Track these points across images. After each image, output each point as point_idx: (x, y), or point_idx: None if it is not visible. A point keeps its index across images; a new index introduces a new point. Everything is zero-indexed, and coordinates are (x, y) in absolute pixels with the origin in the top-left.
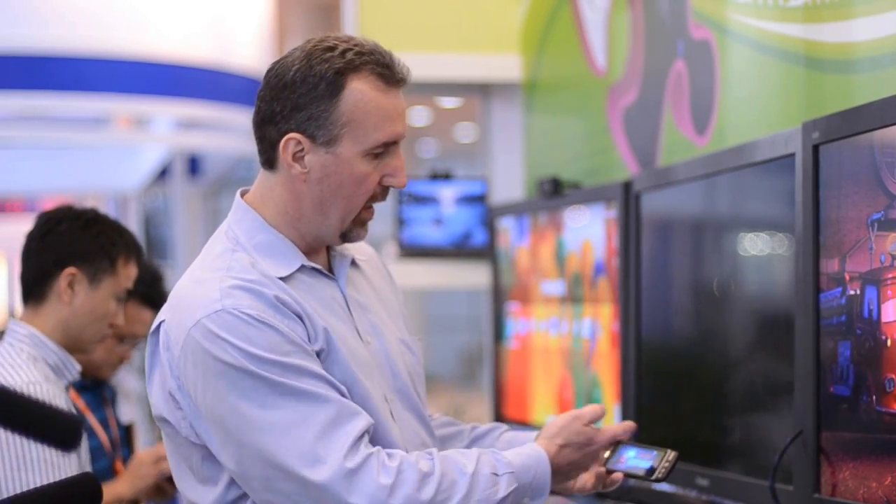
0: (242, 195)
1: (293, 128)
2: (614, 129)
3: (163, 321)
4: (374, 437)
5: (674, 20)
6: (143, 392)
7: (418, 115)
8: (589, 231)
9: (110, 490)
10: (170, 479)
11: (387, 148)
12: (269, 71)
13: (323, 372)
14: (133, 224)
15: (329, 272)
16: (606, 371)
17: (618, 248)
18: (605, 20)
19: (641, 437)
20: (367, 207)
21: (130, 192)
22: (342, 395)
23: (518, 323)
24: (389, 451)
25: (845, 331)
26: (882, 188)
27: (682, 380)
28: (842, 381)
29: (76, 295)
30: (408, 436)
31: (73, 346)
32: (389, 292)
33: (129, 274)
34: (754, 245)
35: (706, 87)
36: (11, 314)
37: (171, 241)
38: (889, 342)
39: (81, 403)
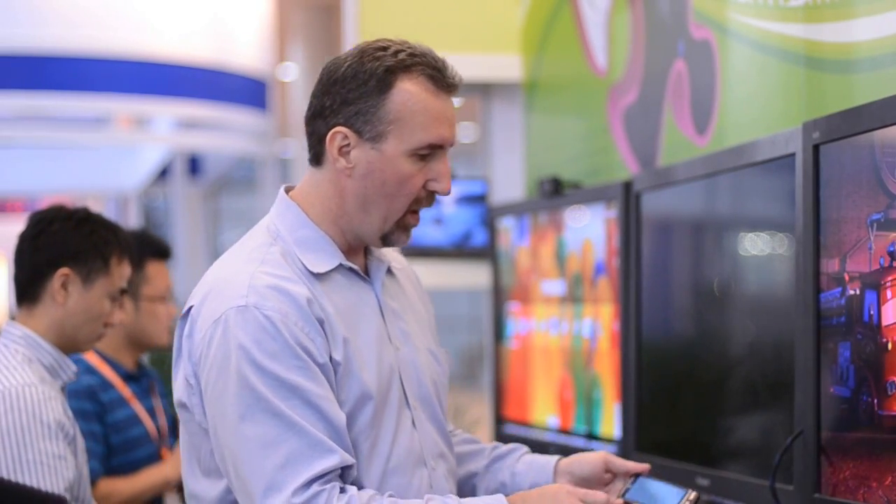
0: (286, 192)
1: (341, 122)
2: (615, 128)
3: (192, 306)
4: (393, 444)
5: (674, 20)
6: None
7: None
8: (589, 231)
9: (157, 472)
10: None
11: (433, 151)
12: (323, 68)
13: (318, 396)
14: (133, 224)
15: (366, 275)
16: (607, 371)
17: (618, 248)
18: (605, 20)
19: (642, 437)
20: (413, 212)
21: (131, 191)
22: (334, 424)
23: (518, 323)
24: (346, 489)
25: (845, 331)
26: (882, 188)
27: (683, 379)
28: (842, 382)
29: (70, 295)
30: (427, 445)
31: (68, 346)
32: (420, 304)
33: (122, 273)
34: (755, 245)
35: (707, 87)
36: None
37: (171, 240)
38: (889, 343)
39: (128, 393)
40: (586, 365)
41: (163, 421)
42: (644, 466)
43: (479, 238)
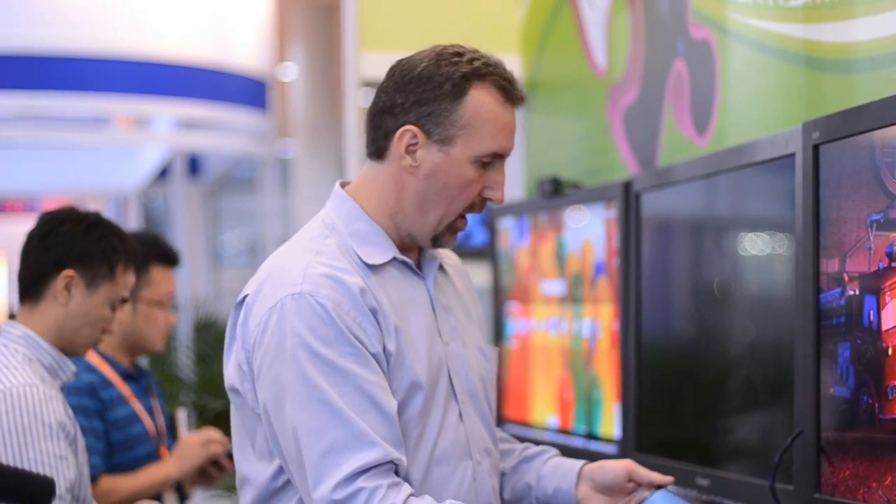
0: (342, 186)
1: (412, 120)
2: (614, 129)
3: (247, 295)
4: (439, 435)
5: (674, 20)
6: None
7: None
8: (589, 231)
9: (158, 470)
10: (216, 465)
11: (494, 159)
12: (394, 66)
13: (372, 383)
14: (133, 224)
15: (419, 270)
16: (606, 371)
17: (618, 248)
18: (605, 20)
19: (642, 437)
20: (462, 216)
21: (130, 192)
22: (385, 411)
23: (518, 323)
24: (395, 486)
25: (845, 331)
26: (882, 188)
27: (683, 379)
28: (842, 382)
29: (72, 297)
30: (473, 438)
31: (66, 348)
32: (471, 301)
33: (126, 282)
34: (754, 245)
35: (706, 87)
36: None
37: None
38: (889, 347)
39: (128, 391)
40: (586, 365)
41: (161, 420)
42: (667, 479)
43: (479, 238)
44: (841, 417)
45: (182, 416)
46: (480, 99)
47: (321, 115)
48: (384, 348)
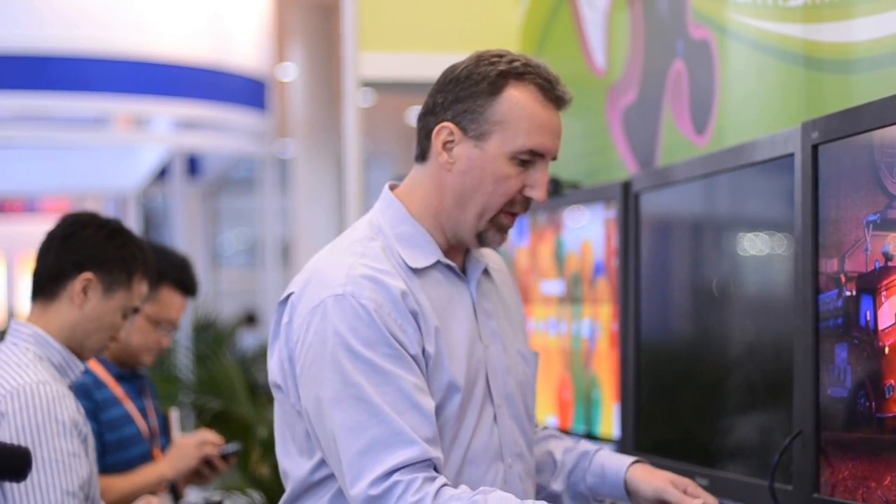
0: (391, 189)
1: (449, 118)
2: (613, 128)
3: (291, 293)
4: (468, 438)
5: (673, 20)
6: None
7: (417, 116)
8: (588, 231)
9: (153, 470)
10: (210, 465)
11: (533, 157)
12: (442, 73)
13: (410, 383)
14: (132, 224)
15: (463, 274)
16: (606, 371)
17: (617, 248)
18: (604, 20)
19: (641, 437)
20: (508, 213)
21: (130, 191)
22: (424, 410)
23: None
24: (431, 479)
25: (843, 331)
26: (881, 188)
27: (682, 380)
28: (840, 382)
29: (88, 300)
30: (507, 442)
31: (73, 351)
32: (514, 306)
33: (141, 292)
34: (753, 245)
35: (706, 87)
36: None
37: (170, 240)
38: (886, 347)
39: (121, 392)
40: (585, 365)
41: (154, 421)
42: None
43: None
44: (840, 417)
45: (175, 415)
46: (517, 96)
47: (320, 115)
48: (423, 350)
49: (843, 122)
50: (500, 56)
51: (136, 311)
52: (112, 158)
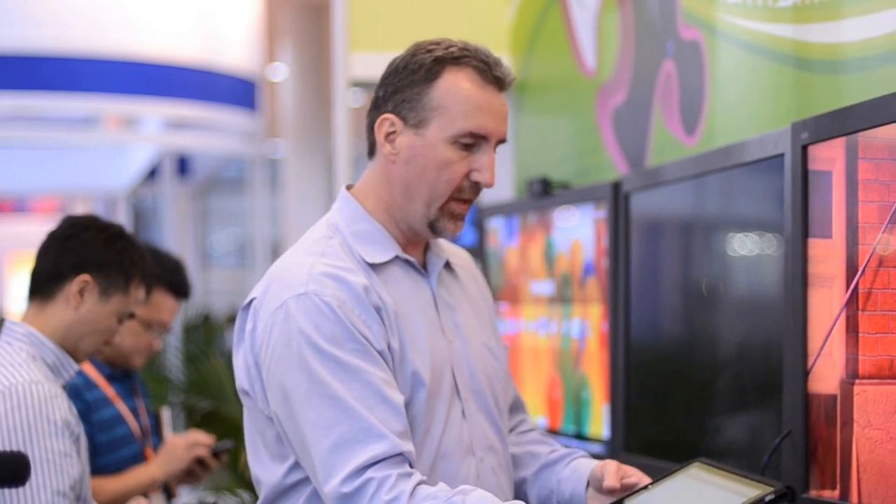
0: (347, 189)
1: (390, 109)
2: (604, 129)
3: (254, 298)
4: (439, 433)
5: (663, 20)
6: None
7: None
8: (578, 231)
9: (144, 471)
10: (202, 464)
11: (476, 142)
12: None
13: (378, 378)
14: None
15: (423, 268)
16: (595, 371)
17: (607, 249)
18: (594, 20)
19: (630, 438)
20: (458, 200)
21: (120, 192)
22: (393, 404)
23: (507, 323)
24: (405, 476)
25: (832, 332)
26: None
27: (672, 380)
28: (829, 382)
29: (84, 302)
30: (477, 436)
31: (68, 352)
32: (481, 300)
33: (138, 298)
34: (743, 245)
35: (696, 88)
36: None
37: (160, 240)
38: (873, 346)
39: (112, 392)
40: (575, 365)
41: (145, 421)
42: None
43: (468, 238)
44: (829, 418)
45: (167, 415)
46: (453, 80)
47: (310, 115)
48: (388, 345)
49: (832, 122)
50: (437, 43)
51: (131, 316)
52: (102, 158)
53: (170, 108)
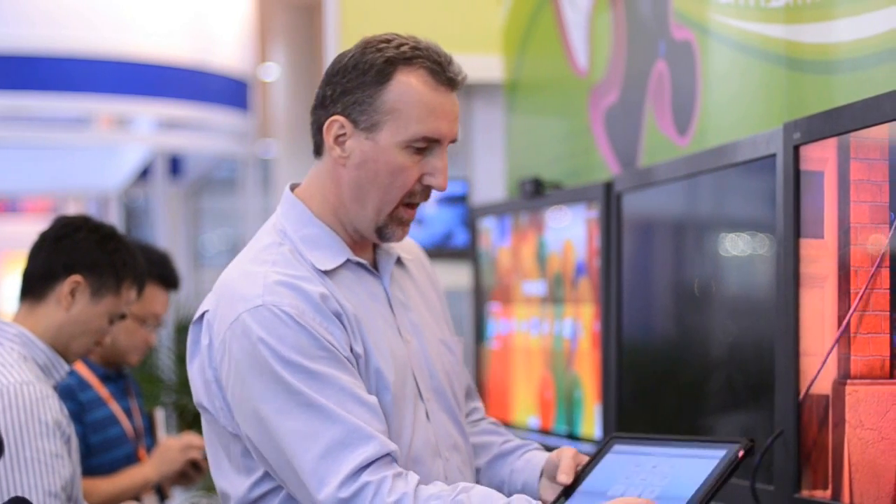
0: (292, 189)
1: (339, 111)
2: (596, 129)
3: (206, 311)
4: (409, 437)
5: (655, 21)
6: None
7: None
8: (570, 231)
9: (137, 472)
10: (195, 466)
11: (429, 145)
12: (332, 61)
13: (350, 382)
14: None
15: (374, 269)
16: (587, 371)
17: (599, 249)
18: (586, 21)
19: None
20: (408, 206)
21: (112, 192)
22: (370, 405)
23: (499, 323)
24: (401, 476)
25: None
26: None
27: (664, 380)
28: (822, 382)
29: (75, 303)
30: (441, 436)
31: (59, 352)
32: (433, 293)
33: (129, 299)
34: (735, 245)
35: (688, 88)
36: None
37: (152, 240)
38: (866, 346)
39: (105, 393)
40: (567, 365)
41: (139, 421)
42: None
43: (460, 238)
44: (821, 418)
45: (160, 415)
46: (406, 83)
47: (302, 116)
48: (352, 350)
49: (824, 122)
50: (388, 41)
51: (122, 317)
52: (94, 158)
53: (162, 108)
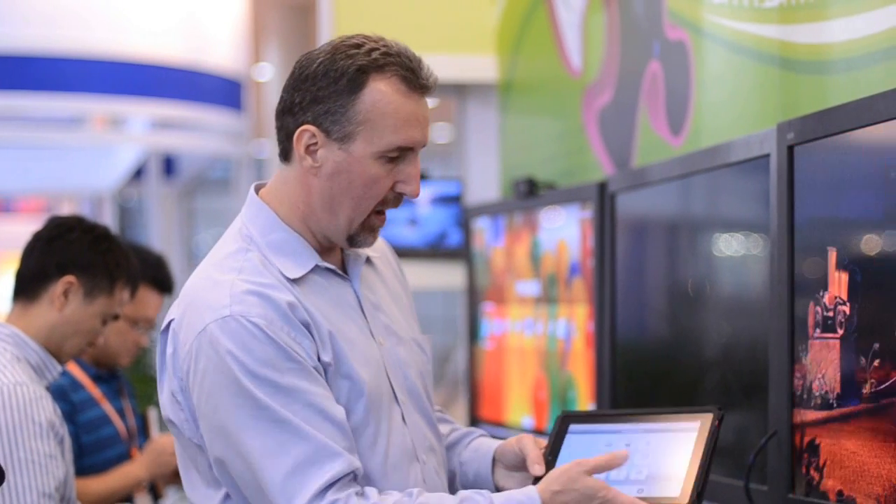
0: (257, 190)
1: (309, 120)
2: (589, 129)
3: (172, 320)
4: (385, 444)
5: (649, 21)
6: None
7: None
8: (564, 231)
9: (128, 471)
10: None
11: (402, 153)
12: (296, 63)
13: (318, 395)
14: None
15: (343, 271)
16: (581, 371)
17: (593, 249)
18: (580, 21)
19: None
20: (379, 213)
21: (106, 192)
22: (337, 420)
23: (493, 323)
24: (362, 493)
25: (818, 333)
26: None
27: (657, 380)
28: (815, 383)
29: (68, 304)
30: (417, 439)
31: (52, 353)
32: (401, 289)
33: (122, 299)
34: (729, 246)
35: (681, 88)
36: None
37: (146, 240)
38: (858, 346)
39: (98, 393)
40: (561, 365)
41: (132, 421)
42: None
43: (454, 238)
44: (815, 418)
45: (154, 415)
46: (379, 91)
47: None
48: (320, 360)
49: (818, 123)
50: (358, 46)
51: (115, 317)
52: (88, 158)
53: (156, 107)
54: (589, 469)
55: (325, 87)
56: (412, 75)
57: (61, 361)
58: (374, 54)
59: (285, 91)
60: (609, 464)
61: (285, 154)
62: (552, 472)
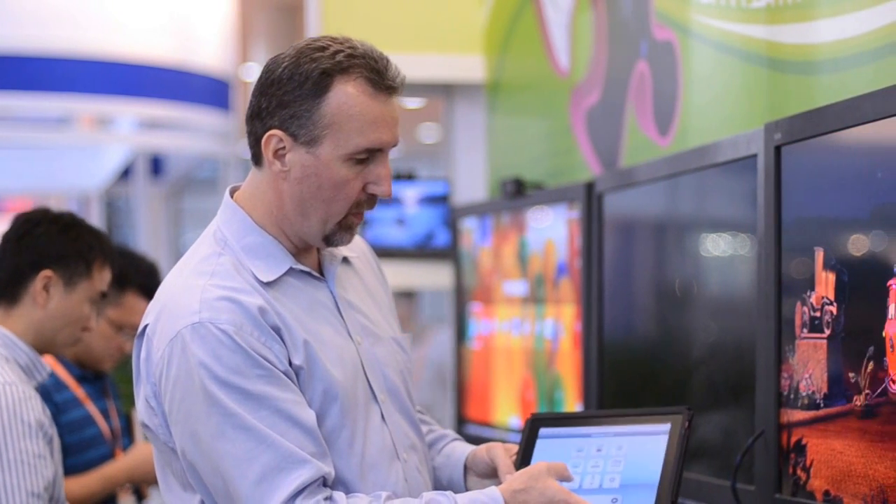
0: (232, 193)
1: (276, 124)
2: (577, 129)
3: (146, 325)
4: (361, 445)
5: (637, 21)
6: None
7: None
8: (551, 231)
9: (107, 473)
10: None
11: (371, 154)
12: (263, 67)
13: (288, 401)
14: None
15: (319, 272)
16: (569, 371)
17: (580, 249)
18: (568, 21)
19: None
20: (355, 213)
21: (93, 192)
22: (306, 426)
23: (480, 323)
24: (330, 499)
25: (804, 333)
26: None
27: (645, 380)
28: (802, 383)
29: (51, 298)
30: (398, 437)
31: (45, 348)
32: (379, 287)
33: (104, 278)
34: (717, 246)
35: (669, 88)
36: None
37: (133, 240)
38: (849, 346)
39: (82, 393)
40: (548, 365)
41: (116, 422)
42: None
43: (442, 238)
44: (802, 418)
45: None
46: (344, 94)
47: None
48: (291, 364)
49: (805, 123)
50: (322, 49)
51: (103, 295)
52: (75, 158)
53: (143, 107)
54: (551, 474)
55: (290, 92)
56: (378, 76)
57: (58, 352)
58: (339, 56)
59: (253, 96)
60: (565, 474)
61: (256, 158)
62: (516, 473)
